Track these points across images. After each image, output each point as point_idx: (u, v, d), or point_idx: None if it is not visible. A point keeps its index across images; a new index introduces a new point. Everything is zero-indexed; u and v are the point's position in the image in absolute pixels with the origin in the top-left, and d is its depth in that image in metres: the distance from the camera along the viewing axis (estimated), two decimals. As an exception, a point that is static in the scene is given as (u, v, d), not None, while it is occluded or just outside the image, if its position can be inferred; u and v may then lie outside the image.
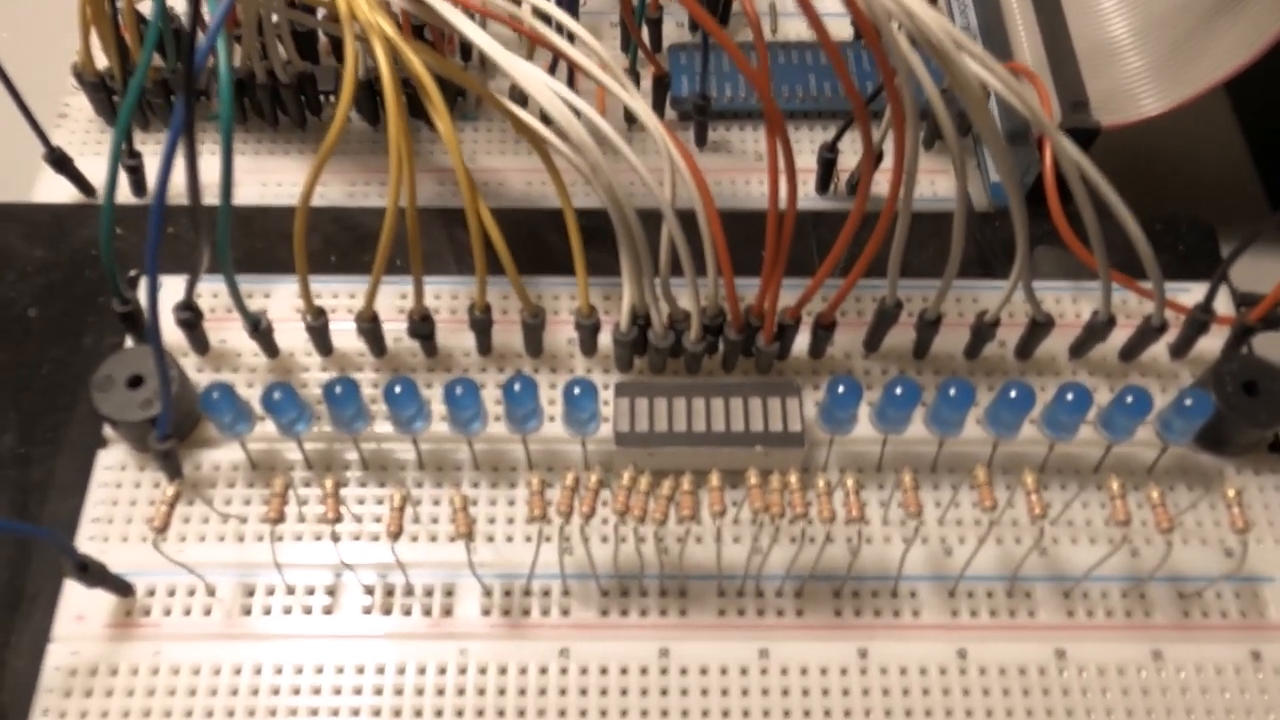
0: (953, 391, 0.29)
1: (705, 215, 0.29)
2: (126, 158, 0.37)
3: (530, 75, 0.27)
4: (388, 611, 0.29)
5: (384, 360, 0.33)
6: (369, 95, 0.38)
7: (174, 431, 0.30)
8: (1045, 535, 0.31)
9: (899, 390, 0.29)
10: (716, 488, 0.27)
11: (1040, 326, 0.32)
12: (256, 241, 0.36)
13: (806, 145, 0.40)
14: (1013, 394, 0.29)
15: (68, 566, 0.27)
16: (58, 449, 0.32)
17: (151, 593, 0.29)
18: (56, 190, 0.38)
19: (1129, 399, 0.29)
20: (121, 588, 0.29)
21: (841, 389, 0.29)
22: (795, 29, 0.43)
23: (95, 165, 0.38)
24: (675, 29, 0.43)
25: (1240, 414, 0.31)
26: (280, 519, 0.27)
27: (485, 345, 0.33)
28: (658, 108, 0.40)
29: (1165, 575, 0.30)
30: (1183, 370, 0.34)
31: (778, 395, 0.31)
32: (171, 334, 0.32)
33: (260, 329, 0.32)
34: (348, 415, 0.29)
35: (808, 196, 0.39)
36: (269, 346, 0.33)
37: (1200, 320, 0.32)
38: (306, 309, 0.31)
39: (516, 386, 0.29)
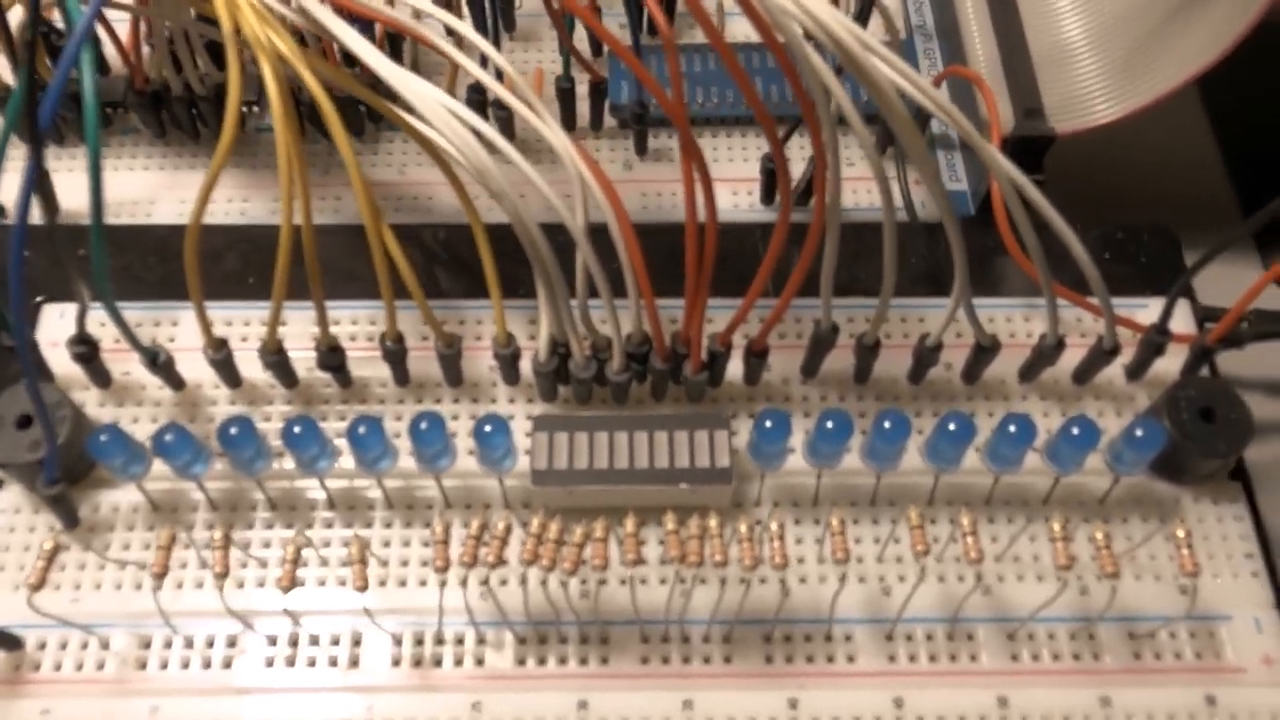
0: (887, 425, 0.28)
1: (621, 235, 0.27)
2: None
3: (421, 91, 0.25)
4: (291, 663, 0.28)
5: (296, 392, 0.32)
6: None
7: (65, 475, 0.28)
8: (987, 575, 0.29)
9: (830, 424, 0.27)
10: (631, 534, 0.26)
11: (985, 351, 0.30)
12: (172, 264, 0.34)
13: (754, 153, 0.38)
14: (951, 426, 0.27)
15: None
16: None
17: (42, 646, 0.28)
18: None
19: (1075, 430, 0.27)
20: (9, 642, 0.27)
21: (769, 424, 0.27)
22: (742, 29, 0.41)
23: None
24: (618, 30, 0.41)
25: (1195, 443, 0.29)
26: (164, 573, 0.25)
27: (401, 376, 0.31)
28: (596, 116, 0.38)
29: (1116, 615, 0.28)
30: (1139, 393, 0.32)
31: (705, 428, 0.29)
32: (68, 367, 0.30)
33: (159, 362, 0.30)
34: (246, 456, 0.28)
35: (753, 208, 0.37)
36: (172, 379, 0.31)
37: (1155, 342, 0.31)
38: (206, 342, 0.30)
39: (422, 425, 0.27)
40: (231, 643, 0.28)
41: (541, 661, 0.28)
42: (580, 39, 0.39)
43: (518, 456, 0.29)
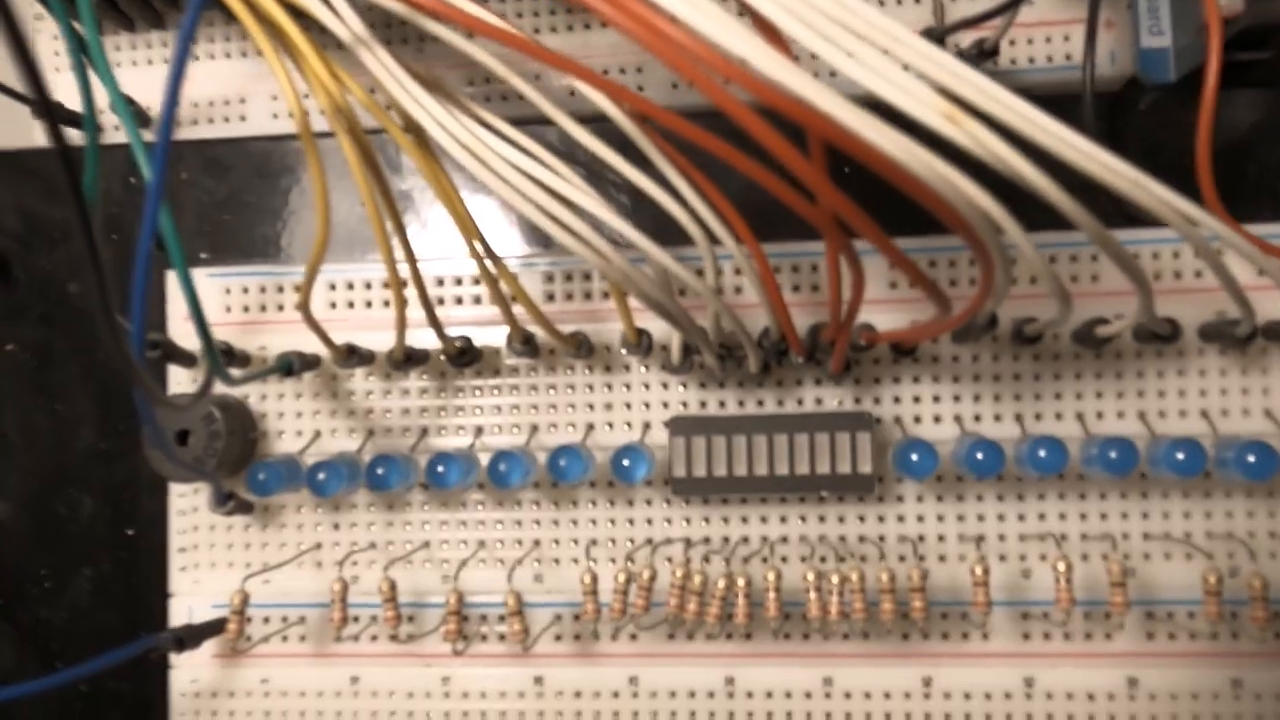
0: (1042, 454, 0.26)
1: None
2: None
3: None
4: (465, 638, 0.31)
5: (430, 366, 0.31)
6: None
7: (236, 465, 0.30)
8: (1133, 555, 0.29)
9: (980, 455, 0.26)
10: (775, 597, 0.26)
11: (1160, 337, 0.28)
12: (284, 183, 0.33)
13: None
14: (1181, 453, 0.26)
15: (167, 646, 0.29)
16: (137, 444, 0.32)
17: (254, 622, 0.31)
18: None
19: (1250, 458, 0.26)
20: (215, 628, 0.31)
21: (914, 457, 0.26)
22: None
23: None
24: None
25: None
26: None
27: (532, 349, 0.31)
28: None
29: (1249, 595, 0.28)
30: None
31: (847, 429, 0.28)
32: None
33: (294, 370, 0.30)
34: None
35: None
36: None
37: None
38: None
39: (561, 462, 0.27)
40: (412, 618, 0.31)
41: (690, 637, 0.30)
42: None
43: (654, 463, 0.29)
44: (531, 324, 0.28)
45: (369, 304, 0.32)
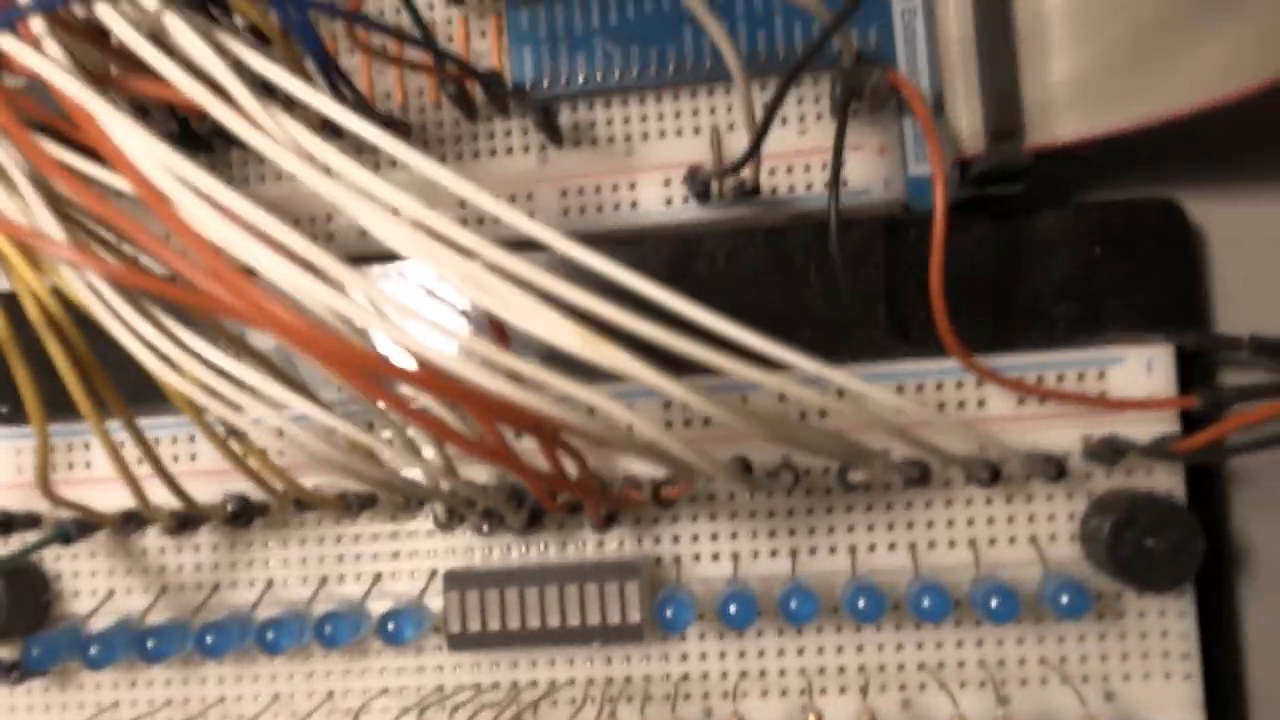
0: (793, 604, 0.27)
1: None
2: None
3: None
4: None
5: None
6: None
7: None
8: (909, 685, 0.29)
9: (733, 609, 0.27)
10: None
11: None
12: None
13: (686, 122, 0.32)
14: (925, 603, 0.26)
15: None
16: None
17: None
18: None
19: (993, 603, 0.26)
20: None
21: (669, 613, 0.27)
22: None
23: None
24: None
25: (1136, 582, 0.27)
26: None
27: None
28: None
29: (1035, 726, 0.29)
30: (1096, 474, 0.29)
31: (615, 579, 0.29)
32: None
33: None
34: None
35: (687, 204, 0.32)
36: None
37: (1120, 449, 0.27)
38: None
39: (327, 629, 0.28)
40: None
41: (484, 782, 0.30)
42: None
43: (427, 622, 0.29)
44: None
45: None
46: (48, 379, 0.31)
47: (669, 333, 0.19)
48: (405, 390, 0.20)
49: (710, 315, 0.20)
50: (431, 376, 0.18)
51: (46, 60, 0.19)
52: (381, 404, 0.19)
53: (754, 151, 0.28)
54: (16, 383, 0.25)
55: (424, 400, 0.22)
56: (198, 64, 0.20)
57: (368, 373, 0.18)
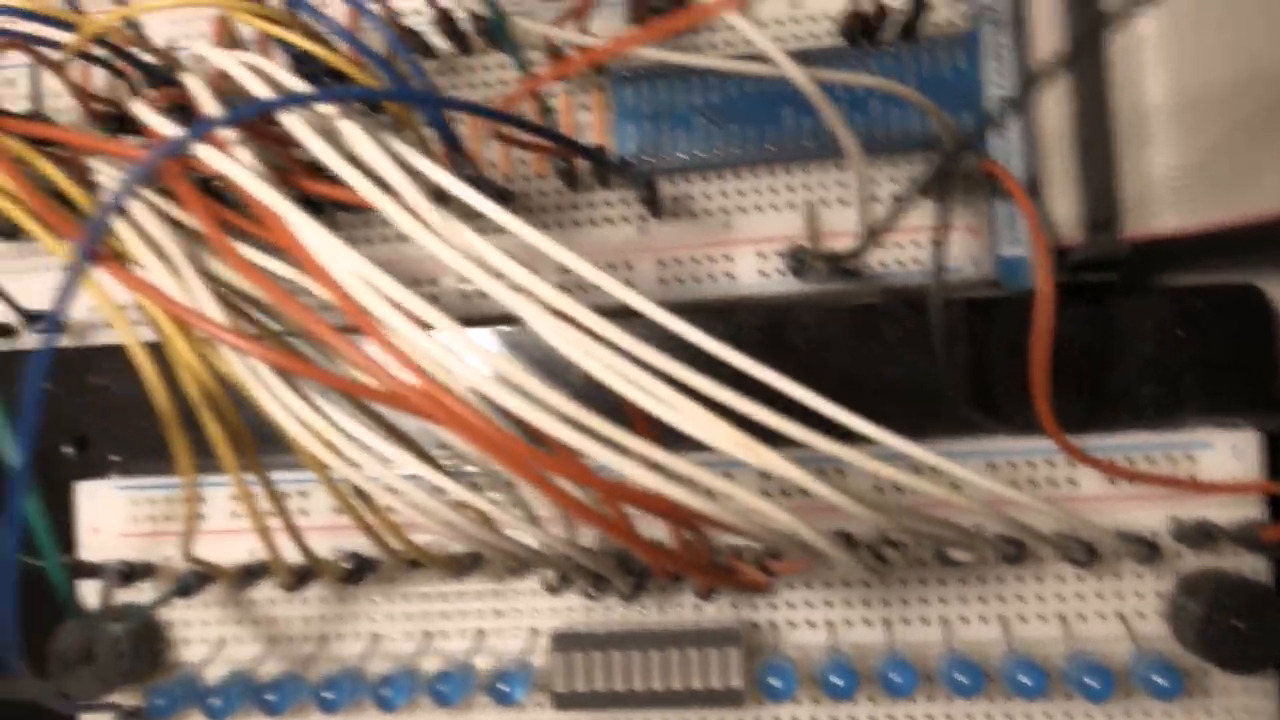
0: (895, 677, 0.28)
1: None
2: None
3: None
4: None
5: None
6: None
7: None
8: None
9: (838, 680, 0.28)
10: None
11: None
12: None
13: (783, 198, 0.34)
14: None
15: None
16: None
17: None
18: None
19: (1088, 681, 0.27)
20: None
21: (775, 683, 0.28)
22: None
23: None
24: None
25: (1227, 665, 0.28)
26: None
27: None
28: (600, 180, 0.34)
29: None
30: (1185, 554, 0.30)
31: (715, 646, 0.30)
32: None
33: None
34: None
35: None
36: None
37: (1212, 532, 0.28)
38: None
39: (441, 689, 0.29)
40: None
41: (580, 837, 0.31)
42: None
43: (531, 679, 0.30)
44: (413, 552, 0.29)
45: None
46: (154, 430, 0.33)
47: (795, 423, 0.20)
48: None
49: (839, 409, 0.21)
50: (593, 478, 0.19)
51: (237, 165, 0.20)
52: (545, 495, 0.20)
53: (871, 238, 0.30)
54: (167, 441, 0.26)
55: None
56: (368, 165, 0.22)
57: (536, 468, 0.19)
